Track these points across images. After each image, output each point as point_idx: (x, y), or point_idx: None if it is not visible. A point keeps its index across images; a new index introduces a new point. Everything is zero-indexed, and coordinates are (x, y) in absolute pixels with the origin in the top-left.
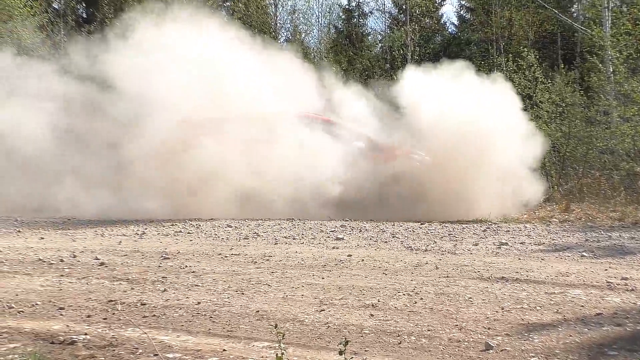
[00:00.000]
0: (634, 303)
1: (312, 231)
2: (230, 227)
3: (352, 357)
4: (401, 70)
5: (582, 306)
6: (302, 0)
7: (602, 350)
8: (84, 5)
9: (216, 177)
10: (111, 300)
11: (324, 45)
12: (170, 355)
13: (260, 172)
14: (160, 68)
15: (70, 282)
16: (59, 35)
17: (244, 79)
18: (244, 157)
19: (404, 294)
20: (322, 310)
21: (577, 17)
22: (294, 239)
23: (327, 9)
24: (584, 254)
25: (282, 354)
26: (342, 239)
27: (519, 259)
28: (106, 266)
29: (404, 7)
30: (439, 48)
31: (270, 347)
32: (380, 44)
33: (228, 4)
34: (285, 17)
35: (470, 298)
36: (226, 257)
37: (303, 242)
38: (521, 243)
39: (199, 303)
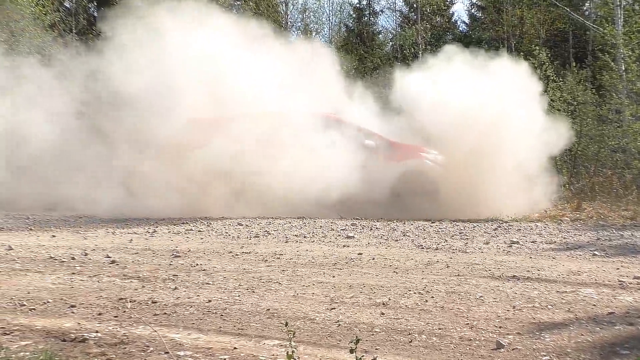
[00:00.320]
0: None
1: (323, 229)
2: (241, 225)
3: (362, 356)
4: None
5: (594, 305)
6: None
7: (614, 350)
8: (95, 4)
9: (227, 176)
10: (122, 298)
11: (334, 44)
12: (181, 353)
13: (272, 172)
14: (170, 66)
15: (81, 280)
16: (70, 34)
17: (256, 76)
18: (255, 156)
19: (414, 293)
20: (332, 309)
21: (589, 15)
22: (304, 237)
23: (338, 8)
24: (596, 252)
25: (293, 352)
26: (353, 237)
27: (530, 257)
28: (117, 264)
29: (415, 5)
30: None
31: (281, 345)
32: (391, 43)
33: (239, 3)
34: (296, 16)
35: (482, 297)
36: (237, 255)
37: (314, 241)
38: (532, 242)
39: (209, 301)
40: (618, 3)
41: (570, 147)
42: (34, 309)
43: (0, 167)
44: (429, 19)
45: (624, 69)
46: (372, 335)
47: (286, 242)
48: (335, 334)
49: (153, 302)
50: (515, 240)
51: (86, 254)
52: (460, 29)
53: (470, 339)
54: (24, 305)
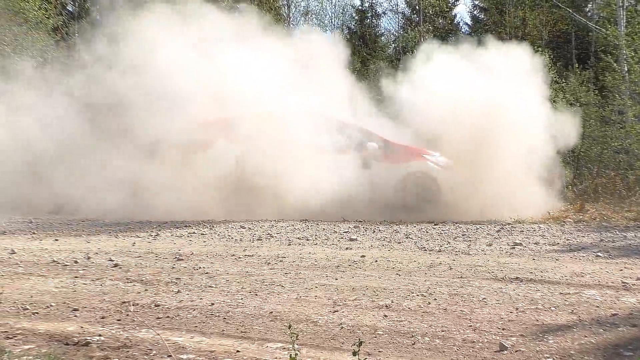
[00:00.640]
0: None
1: (326, 232)
2: (244, 228)
3: (365, 358)
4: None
5: (597, 307)
6: (316, 1)
7: (618, 351)
8: (98, 7)
9: (231, 178)
10: (125, 302)
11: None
12: (184, 357)
13: (274, 173)
14: (177, 66)
15: (84, 284)
16: (73, 38)
17: (257, 76)
18: (258, 157)
19: (417, 295)
20: (335, 311)
21: (592, 17)
22: (307, 240)
23: (340, 10)
24: (599, 254)
25: (296, 354)
26: (356, 239)
27: (533, 259)
28: (120, 267)
29: (417, 7)
30: None
31: (284, 348)
32: (393, 45)
33: (242, 5)
34: (299, 18)
35: (484, 299)
36: (240, 258)
37: (316, 243)
38: (535, 243)
39: (212, 304)
40: (621, 4)
41: (573, 148)
42: (36, 313)
43: (3, 171)
44: (431, 20)
45: (626, 70)
46: (375, 337)
47: (289, 244)
48: (338, 337)
49: (156, 306)
50: (518, 241)
51: (89, 258)
52: (463, 30)
53: (473, 341)
54: (27, 309)
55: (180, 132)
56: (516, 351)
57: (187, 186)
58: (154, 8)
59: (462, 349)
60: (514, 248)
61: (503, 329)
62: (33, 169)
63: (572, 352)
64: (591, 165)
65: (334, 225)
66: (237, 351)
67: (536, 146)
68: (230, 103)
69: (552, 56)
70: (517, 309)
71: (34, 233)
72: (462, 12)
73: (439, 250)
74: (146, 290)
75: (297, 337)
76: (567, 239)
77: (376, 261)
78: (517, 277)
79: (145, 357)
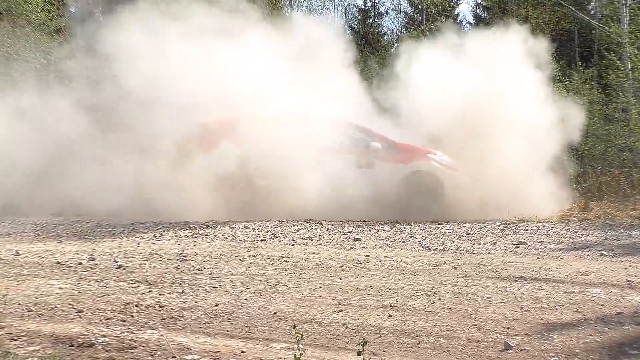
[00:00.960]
0: None
1: (330, 232)
2: (248, 228)
3: (370, 358)
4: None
5: (602, 305)
6: (318, 0)
7: (623, 350)
8: (100, 9)
9: (235, 178)
10: (129, 303)
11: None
12: (189, 357)
13: (278, 174)
14: (182, 68)
15: (88, 285)
16: (76, 39)
17: (260, 76)
18: (263, 159)
19: (422, 294)
20: (340, 311)
21: (595, 14)
22: (311, 240)
23: (343, 10)
24: (604, 252)
25: (301, 354)
26: (360, 239)
27: (538, 258)
28: (124, 269)
29: (419, 6)
30: None
31: (289, 348)
32: (396, 44)
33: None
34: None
35: (489, 298)
36: (244, 258)
37: (321, 243)
38: (540, 242)
39: (217, 305)
40: (624, 2)
41: (577, 146)
42: (41, 314)
43: (7, 173)
44: (434, 20)
45: (630, 67)
46: (380, 337)
47: (293, 245)
48: (343, 337)
49: (160, 307)
50: (522, 240)
51: (93, 259)
52: (466, 29)
53: (478, 341)
54: (32, 310)
55: (183, 133)
56: (521, 350)
57: (190, 187)
58: (154, 8)
59: (467, 348)
60: (518, 247)
61: (508, 328)
62: (37, 170)
63: (577, 350)
64: (595, 163)
65: (338, 225)
66: (242, 352)
67: (539, 140)
68: (234, 104)
69: (555, 54)
70: (521, 307)
71: (38, 234)
72: (465, 11)
73: (443, 250)
74: (150, 291)
75: (301, 337)
76: (572, 238)
77: (380, 261)
78: (521, 276)
79: (150, 358)
